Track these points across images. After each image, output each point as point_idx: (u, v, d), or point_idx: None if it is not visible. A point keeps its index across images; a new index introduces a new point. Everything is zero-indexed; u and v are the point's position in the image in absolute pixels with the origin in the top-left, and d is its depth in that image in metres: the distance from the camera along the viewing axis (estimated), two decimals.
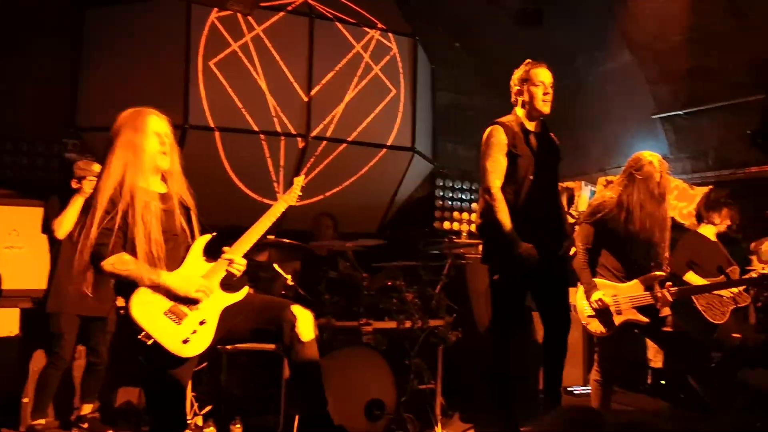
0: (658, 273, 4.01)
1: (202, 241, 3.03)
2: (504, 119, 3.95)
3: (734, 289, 4.72)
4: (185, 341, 2.80)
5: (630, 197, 4.02)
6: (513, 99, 4.02)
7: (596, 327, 4.09)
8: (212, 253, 3.03)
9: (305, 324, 2.97)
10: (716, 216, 5.01)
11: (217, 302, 2.95)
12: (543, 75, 3.91)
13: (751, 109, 5.93)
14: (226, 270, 3.00)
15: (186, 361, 2.85)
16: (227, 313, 2.96)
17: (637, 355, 5.60)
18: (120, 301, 3.01)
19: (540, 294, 4.03)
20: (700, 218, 5.11)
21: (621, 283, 4.08)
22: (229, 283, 3.02)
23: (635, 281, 4.05)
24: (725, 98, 6.11)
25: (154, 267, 2.82)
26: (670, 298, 4.01)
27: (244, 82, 5.99)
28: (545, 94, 3.89)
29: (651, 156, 4.10)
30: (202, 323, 2.87)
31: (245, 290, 3.05)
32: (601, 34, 6.61)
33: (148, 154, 2.93)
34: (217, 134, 5.86)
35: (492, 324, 4.05)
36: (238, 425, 4.27)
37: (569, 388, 5.70)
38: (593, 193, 6.31)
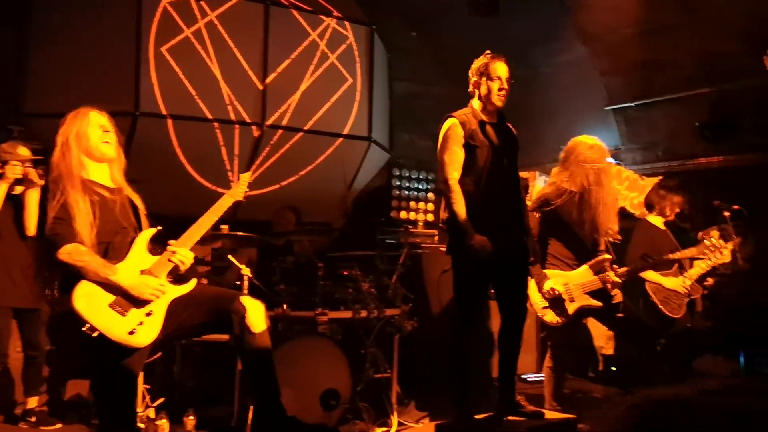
0: (605, 257, 4.08)
1: (147, 234, 3.00)
2: (460, 111, 3.94)
3: (687, 283, 4.82)
4: (131, 332, 2.76)
5: (580, 180, 4.08)
6: (471, 90, 4.00)
7: (552, 317, 4.14)
8: (160, 244, 2.99)
9: (255, 315, 2.95)
10: (666, 206, 5.12)
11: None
12: (501, 70, 3.88)
13: (699, 102, 6.09)
14: (171, 261, 2.96)
15: (134, 351, 2.81)
16: (175, 306, 2.92)
17: (590, 342, 5.70)
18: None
19: (500, 284, 4.01)
20: (650, 207, 5.22)
21: (571, 271, 4.13)
22: (177, 275, 2.98)
23: (584, 267, 4.11)
24: (675, 91, 6.25)
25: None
26: (619, 280, 4.08)
27: (197, 69, 5.86)
28: (500, 89, 3.87)
29: (590, 139, 4.18)
30: (148, 315, 2.83)
31: (193, 282, 3.02)
32: (556, 25, 6.68)
33: (92, 142, 3.00)
34: (169, 122, 5.74)
35: (452, 316, 4.05)
36: (192, 417, 4.18)
37: (522, 375, 5.78)
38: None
